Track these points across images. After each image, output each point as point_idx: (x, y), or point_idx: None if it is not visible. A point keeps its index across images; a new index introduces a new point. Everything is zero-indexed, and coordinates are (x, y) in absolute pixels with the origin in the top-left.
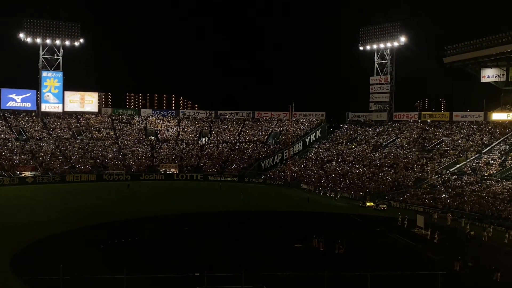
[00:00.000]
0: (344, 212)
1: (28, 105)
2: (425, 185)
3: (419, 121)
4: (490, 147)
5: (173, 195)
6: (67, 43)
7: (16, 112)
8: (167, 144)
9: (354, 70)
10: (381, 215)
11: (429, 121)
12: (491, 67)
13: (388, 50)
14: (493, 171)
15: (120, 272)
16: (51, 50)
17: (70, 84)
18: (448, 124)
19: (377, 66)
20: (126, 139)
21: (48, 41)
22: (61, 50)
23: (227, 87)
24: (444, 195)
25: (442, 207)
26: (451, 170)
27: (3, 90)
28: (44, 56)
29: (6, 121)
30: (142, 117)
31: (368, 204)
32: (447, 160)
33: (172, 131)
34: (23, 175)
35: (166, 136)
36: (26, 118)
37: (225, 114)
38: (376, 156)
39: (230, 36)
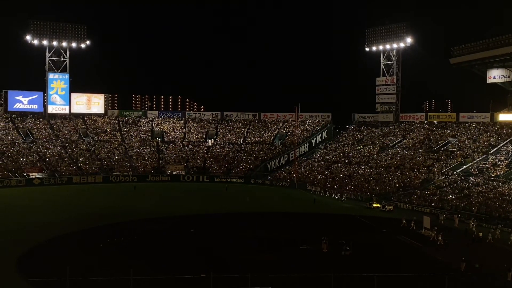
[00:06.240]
0: (350, 214)
1: (35, 107)
2: (431, 186)
3: (426, 122)
4: (497, 148)
5: (179, 196)
6: (74, 45)
7: (23, 114)
8: (173, 145)
9: (360, 71)
10: (387, 217)
11: (435, 122)
12: (497, 67)
13: (394, 51)
14: (500, 172)
15: (127, 273)
16: (58, 52)
17: (76, 86)
18: (454, 125)
19: (383, 67)
20: (132, 141)
21: (54, 43)
22: (68, 52)
23: (233, 88)
24: (451, 196)
25: (449, 208)
26: (457, 171)
27: (10, 92)
28: (50, 58)
29: (13, 123)
30: (149, 119)
31: (374, 205)
32: (453, 161)
33: (178, 132)
34: (30, 176)
35: (172, 137)
36: (33, 120)
37: (231, 116)
38: (383, 157)
39: (235, 37)
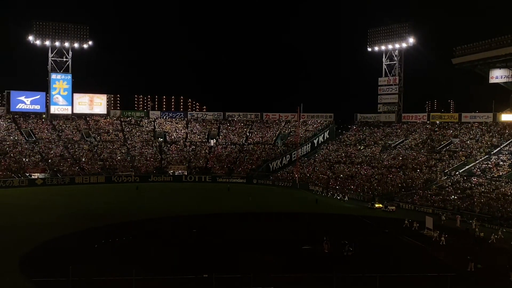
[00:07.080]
0: (352, 214)
1: (37, 107)
2: (434, 187)
3: (428, 122)
4: (499, 148)
5: (182, 196)
6: (76, 45)
7: (25, 114)
8: (176, 145)
9: (362, 71)
10: (390, 217)
11: (438, 122)
12: (500, 68)
13: (397, 51)
14: (503, 172)
15: (129, 273)
16: (60, 52)
17: (79, 86)
18: (457, 125)
19: (385, 67)
20: (134, 141)
21: (57, 43)
22: (70, 53)
23: (235, 88)
24: (453, 196)
25: (451, 208)
26: (460, 171)
27: (12, 92)
28: (53, 58)
29: (15, 123)
30: (151, 119)
31: (376, 205)
32: (456, 161)
33: (181, 132)
34: (32, 177)
35: (174, 137)
36: (35, 120)
37: (233, 116)
38: (385, 158)
39: (238, 38)
